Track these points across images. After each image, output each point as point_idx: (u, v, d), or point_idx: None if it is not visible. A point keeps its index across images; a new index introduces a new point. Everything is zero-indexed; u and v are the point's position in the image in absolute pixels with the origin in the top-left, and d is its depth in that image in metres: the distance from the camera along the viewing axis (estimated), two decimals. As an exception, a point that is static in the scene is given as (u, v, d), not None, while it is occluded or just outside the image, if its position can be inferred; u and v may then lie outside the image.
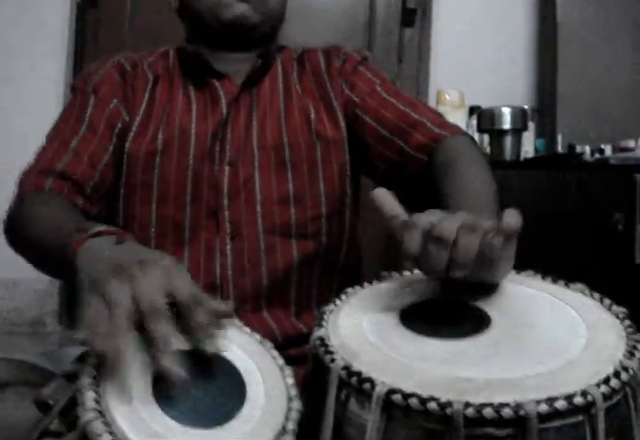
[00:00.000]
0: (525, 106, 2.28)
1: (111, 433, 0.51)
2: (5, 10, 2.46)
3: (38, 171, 0.97)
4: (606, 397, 0.53)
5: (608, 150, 2.27)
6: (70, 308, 2.48)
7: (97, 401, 0.53)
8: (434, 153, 0.96)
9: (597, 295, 0.68)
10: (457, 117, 2.27)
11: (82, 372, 0.55)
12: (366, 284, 0.74)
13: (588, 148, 2.28)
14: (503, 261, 0.63)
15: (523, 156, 2.13)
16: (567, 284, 0.70)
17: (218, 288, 0.97)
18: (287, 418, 0.59)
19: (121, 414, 0.53)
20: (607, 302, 0.66)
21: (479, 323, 0.63)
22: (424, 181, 0.96)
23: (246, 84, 1.06)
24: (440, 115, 1.06)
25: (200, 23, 1.09)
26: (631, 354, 0.57)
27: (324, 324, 0.66)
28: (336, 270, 1.06)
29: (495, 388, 0.54)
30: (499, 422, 0.52)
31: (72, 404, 0.56)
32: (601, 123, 2.41)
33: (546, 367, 0.56)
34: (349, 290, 0.72)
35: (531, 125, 2.27)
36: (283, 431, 0.58)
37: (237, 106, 1.04)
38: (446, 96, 2.33)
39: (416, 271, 0.71)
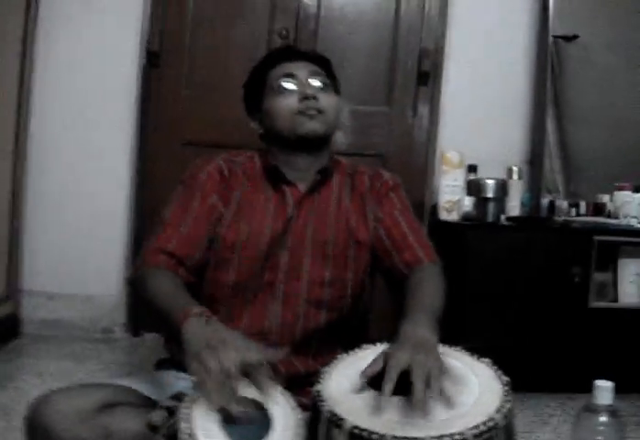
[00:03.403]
0: (515, 168, 2.69)
1: None
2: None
3: (156, 249, 1.35)
4: (476, 436, 0.93)
5: (582, 206, 2.68)
6: (134, 320, 2.92)
7: (189, 428, 0.95)
8: (412, 272, 1.39)
9: (494, 366, 1.09)
10: (457, 175, 2.67)
11: (179, 408, 0.98)
12: (351, 352, 1.15)
13: (565, 204, 2.68)
14: None
15: (508, 211, 2.58)
16: (478, 358, 1.11)
17: (267, 336, 1.37)
18: None
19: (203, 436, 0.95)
20: (499, 372, 1.07)
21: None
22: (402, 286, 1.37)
23: (308, 192, 1.46)
24: (429, 246, 1.46)
25: (279, 136, 1.46)
26: (497, 410, 0.98)
27: (320, 381, 1.07)
28: (348, 332, 1.48)
29: (413, 427, 0.94)
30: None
31: (173, 427, 0.98)
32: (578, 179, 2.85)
33: (448, 415, 0.97)
34: (339, 356, 1.14)
35: (517, 183, 2.69)
36: None
37: (299, 208, 1.44)
38: (449, 156, 2.67)
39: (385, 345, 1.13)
